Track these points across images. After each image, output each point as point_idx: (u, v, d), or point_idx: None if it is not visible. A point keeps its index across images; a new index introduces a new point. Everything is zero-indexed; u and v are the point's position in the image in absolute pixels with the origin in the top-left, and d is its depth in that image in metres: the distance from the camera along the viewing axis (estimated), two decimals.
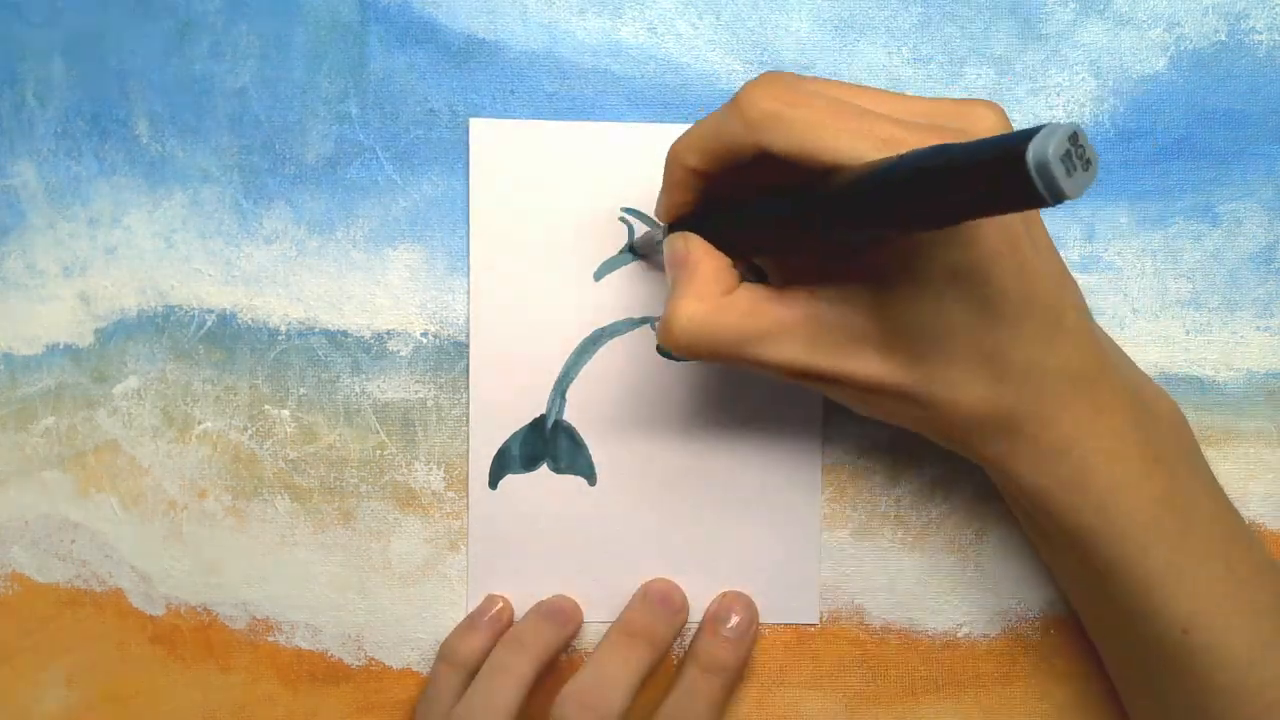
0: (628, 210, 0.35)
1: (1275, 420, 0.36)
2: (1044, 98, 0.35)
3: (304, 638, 0.36)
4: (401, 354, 0.36)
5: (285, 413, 0.36)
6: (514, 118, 0.35)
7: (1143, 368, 0.34)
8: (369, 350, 0.36)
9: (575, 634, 0.35)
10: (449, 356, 0.36)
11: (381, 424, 0.36)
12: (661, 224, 0.32)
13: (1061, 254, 0.29)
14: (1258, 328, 0.36)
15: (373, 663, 0.36)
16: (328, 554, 0.36)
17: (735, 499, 0.36)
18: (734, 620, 0.35)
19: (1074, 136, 0.19)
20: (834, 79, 0.30)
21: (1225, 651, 0.29)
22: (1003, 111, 0.27)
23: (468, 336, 0.35)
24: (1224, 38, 0.35)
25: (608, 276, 0.35)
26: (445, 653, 0.35)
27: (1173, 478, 0.29)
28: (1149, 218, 0.35)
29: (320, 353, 0.36)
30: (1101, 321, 0.35)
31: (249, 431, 0.36)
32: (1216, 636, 0.29)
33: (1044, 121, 0.33)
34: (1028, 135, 0.19)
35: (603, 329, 0.35)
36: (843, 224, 0.25)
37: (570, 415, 0.35)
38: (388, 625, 0.36)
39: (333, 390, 0.36)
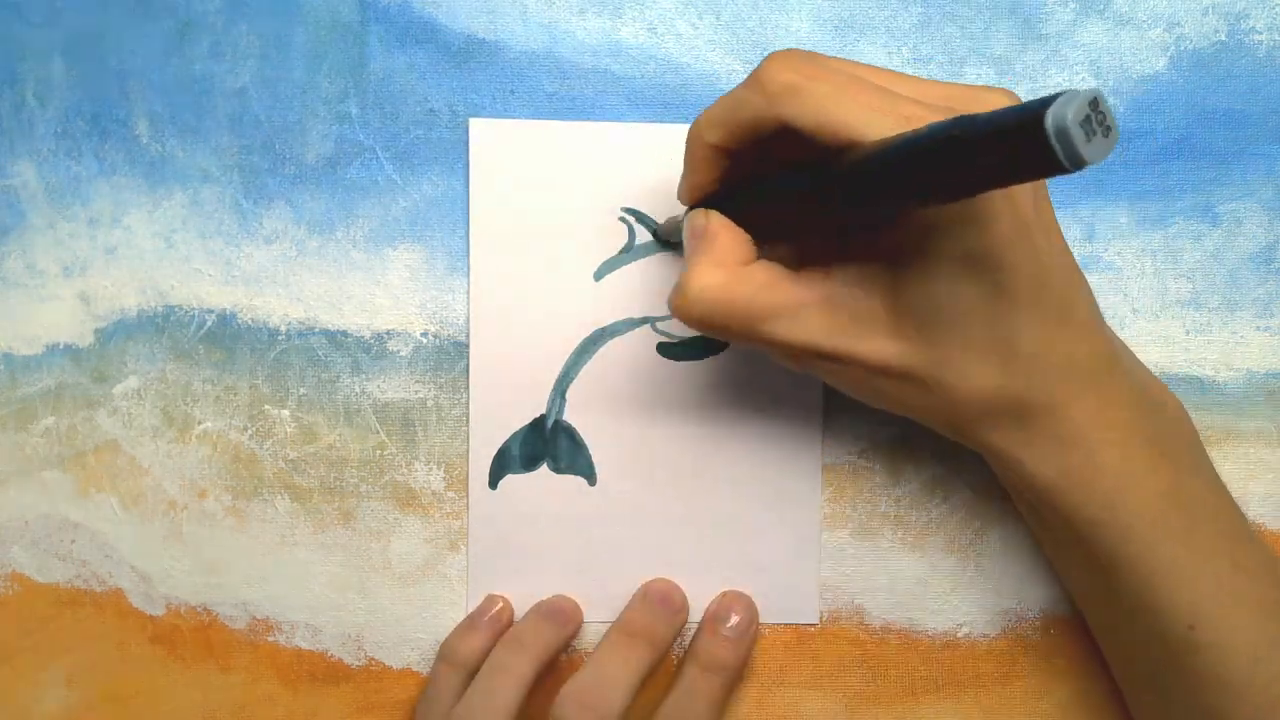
0: (628, 210, 0.35)
1: (1275, 420, 0.36)
2: None
3: (304, 638, 0.36)
4: (401, 354, 0.36)
5: (285, 413, 0.36)
6: (514, 118, 0.35)
7: None
8: (369, 350, 0.36)
9: (575, 634, 0.35)
10: (449, 356, 0.36)
11: (381, 424, 0.36)
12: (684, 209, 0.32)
13: None
14: (1258, 328, 0.36)
15: (373, 663, 0.36)
16: (328, 554, 0.36)
17: (735, 499, 0.36)
18: (734, 620, 0.35)
19: (1094, 102, 0.19)
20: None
21: (1231, 648, 0.29)
22: (1017, 98, 0.27)
23: (468, 336, 0.35)
24: (1224, 38, 0.35)
25: (608, 276, 0.35)
26: (445, 653, 0.35)
27: (1178, 473, 0.29)
28: (1149, 218, 0.35)
29: (320, 353, 0.36)
30: None
31: (249, 431, 0.36)
32: (1222, 633, 0.29)
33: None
34: (1047, 101, 0.19)
35: (603, 329, 0.35)
36: (862, 199, 0.25)
37: (570, 415, 0.35)
38: (388, 625, 0.36)
39: (333, 390, 0.36)
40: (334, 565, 0.36)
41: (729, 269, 0.28)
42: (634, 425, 0.35)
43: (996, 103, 0.26)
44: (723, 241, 0.28)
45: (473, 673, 0.34)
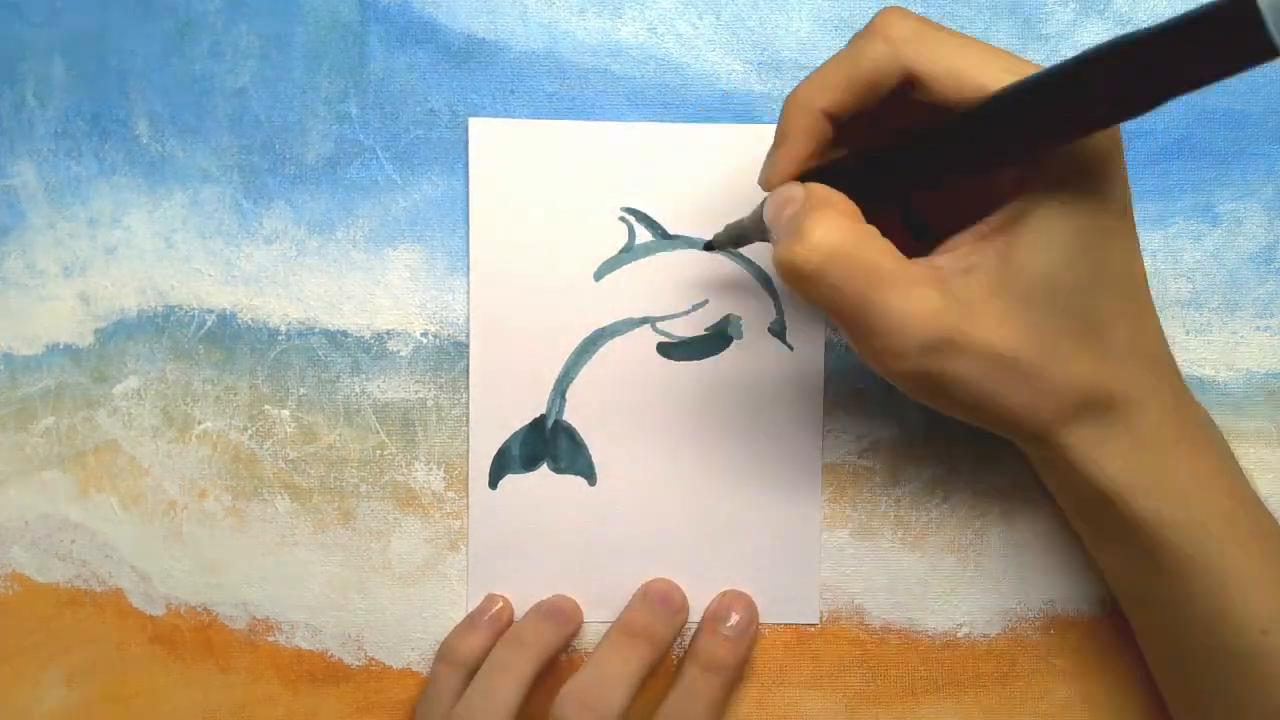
0: (628, 210, 0.35)
1: (1275, 420, 0.36)
2: None
3: (304, 638, 0.36)
4: (401, 354, 0.36)
5: (285, 413, 0.36)
6: (514, 118, 0.35)
7: None
8: (369, 350, 0.36)
9: (575, 634, 0.35)
10: (449, 356, 0.36)
11: (381, 424, 0.36)
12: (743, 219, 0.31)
13: None
14: (1258, 328, 0.36)
15: (373, 663, 0.36)
16: (328, 554, 0.36)
17: (735, 499, 0.36)
18: (734, 619, 0.35)
19: None
20: None
21: None
22: None
23: (468, 336, 0.35)
24: None
25: (608, 276, 0.35)
26: (445, 652, 0.35)
27: (1238, 477, 0.29)
28: (1149, 218, 0.35)
29: (320, 353, 0.36)
30: None
31: (249, 431, 0.36)
32: None
33: None
34: None
35: (603, 329, 0.35)
36: (1003, 141, 0.25)
37: (570, 415, 0.35)
38: (388, 625, 0.36)
39: (333, 390, 0.36)
40: (334, 565, 0.36)
41: (853, 222, 0.26)
42: (634, 425, 0.35)
43: None
44: (837, 199, 0.26)
45: (473, 672, 0.34)
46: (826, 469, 0.36)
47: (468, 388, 0.35)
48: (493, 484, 0.36)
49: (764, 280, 0.35)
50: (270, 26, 0.35)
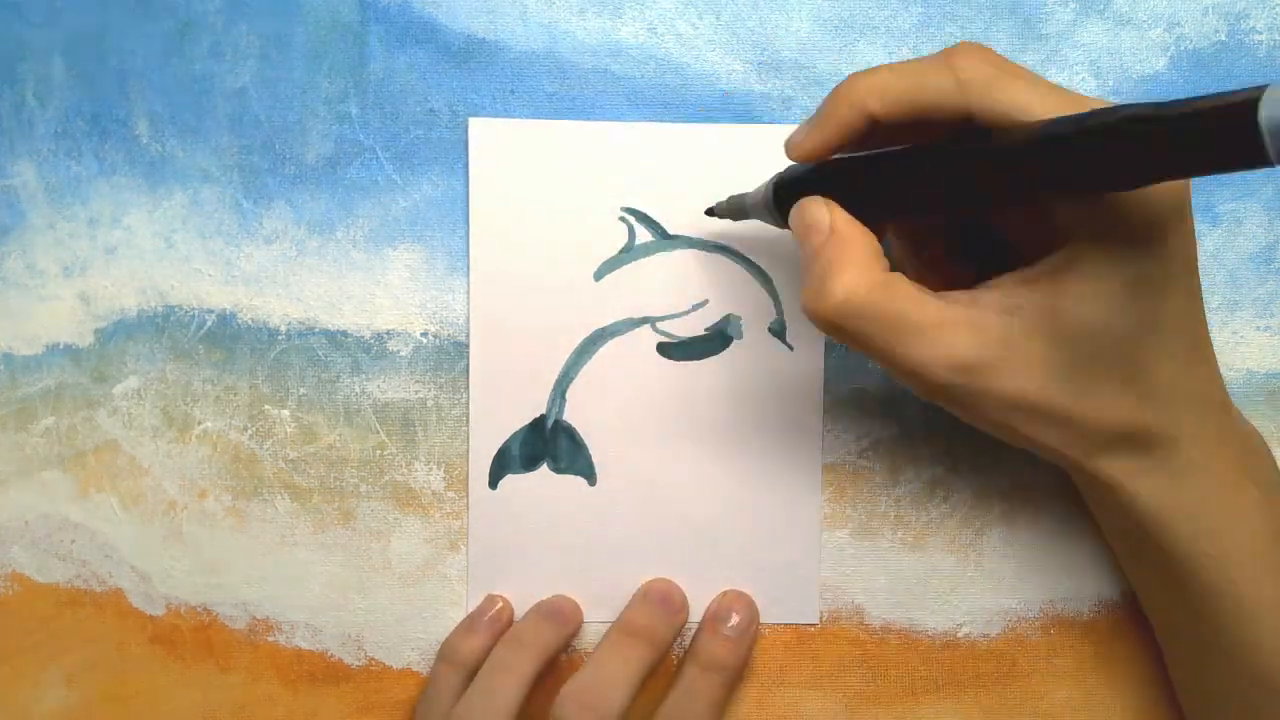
0: (628, 210, 0.35)
1: (1275, 420, 0.36)
2: None
3: (304, 638, 0.36)
4: (401, 354, 0.36)
5: (285, 413, 0.36)
6: (514, 118, 0.35)
7: None
8: (369, 350, 0.36)
9: (575, 634, 0.35)
10: (449, 356, 0.36)
11: (381, 424, 0.36)
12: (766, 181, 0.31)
13: None
14: (1258, 328, 0.36)
15: (373, 663, 0.36)
16: (328, 554, 0.36)
17: (735, 499, 0.36)
18: (734, 620, 0.35)
19: None
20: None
21: None
22: None
23: (468, 336, 0.35)
24: (1224, 38, 0.35)
25: (608, 276, 0.35)
26: (445, 653, 0.35)
27: (1277, 510, 0.29)
28: None
29: (320, 353, 0.36)
30: None
31: (249, 431, 0.36)
32: None
33: None
34: (1256, 92, 0.18)
35: (603, 329, 0.35)
36: (1028, 177, 0.24)
37: (570, 415, 0.35)
38: (388, 625, 0.36)
39: (333, 390, 0.36)
40: (334, 565, 0.36)
41: (875, 274, 0.26)
42: (634, 425, 0.35)
43: None
44: (860, 244, 0.26)
45: (473, 672, 0.34)
46: (826, 469, 0.36)
47: (468, 388, 0.35)
48: (493, 484, 0.36)
49: (764, 280, 0.35)
50: (270, 26, 0.35)
